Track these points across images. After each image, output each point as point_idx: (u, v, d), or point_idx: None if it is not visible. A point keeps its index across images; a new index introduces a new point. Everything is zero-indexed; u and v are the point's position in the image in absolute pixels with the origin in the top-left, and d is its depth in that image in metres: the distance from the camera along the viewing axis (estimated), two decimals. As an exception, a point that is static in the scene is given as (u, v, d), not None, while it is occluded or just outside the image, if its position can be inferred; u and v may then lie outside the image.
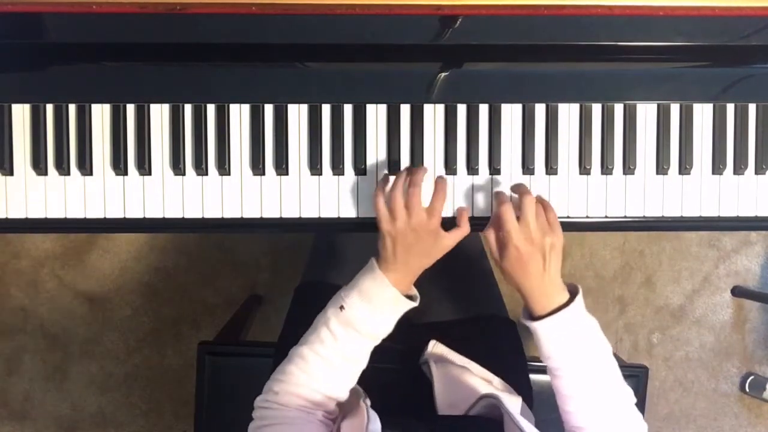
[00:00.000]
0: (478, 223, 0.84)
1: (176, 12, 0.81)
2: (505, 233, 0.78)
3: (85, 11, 0.81)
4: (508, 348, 1.07)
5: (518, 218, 0.78)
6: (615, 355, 1.31)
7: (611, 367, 0.80)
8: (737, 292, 1.85)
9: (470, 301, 1.11)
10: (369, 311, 0.78)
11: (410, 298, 0.82)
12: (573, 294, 0.80)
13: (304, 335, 0.81)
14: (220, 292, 1.82)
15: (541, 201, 0.81)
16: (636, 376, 1.12)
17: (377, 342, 0.81)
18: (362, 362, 0.80)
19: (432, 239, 0.80)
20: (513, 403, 0.86)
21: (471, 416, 0.84)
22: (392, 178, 0.83)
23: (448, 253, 0.82)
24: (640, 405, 1.11)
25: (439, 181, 0.82)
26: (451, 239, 0.81)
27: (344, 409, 0.80)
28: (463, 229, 0.82)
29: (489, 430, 0.79)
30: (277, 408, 0.77)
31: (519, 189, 0.83)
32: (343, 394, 0.80)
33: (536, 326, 0.78)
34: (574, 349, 0.78)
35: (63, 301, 1.82)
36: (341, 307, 0.78)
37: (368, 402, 0.77)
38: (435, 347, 0.95)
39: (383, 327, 0.80)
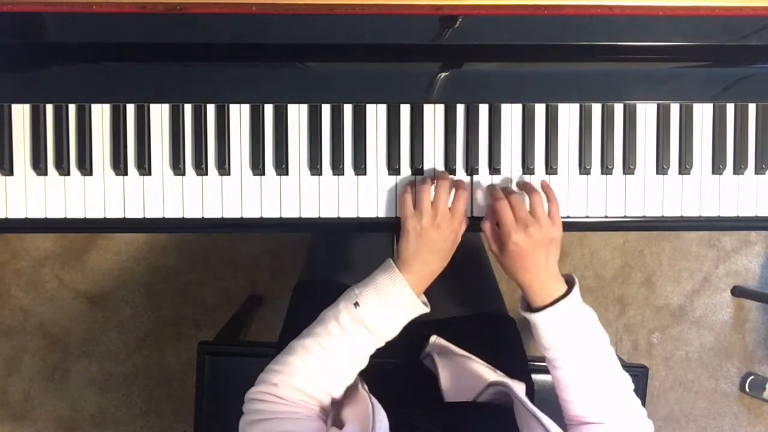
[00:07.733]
0: (478, 223, 0.85)
1: (176, 12, 0.81)
2: (503, 230, 0.79)
3: (85, 11, 0.82)
4: (508, 345, 1.07)
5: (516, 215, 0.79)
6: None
7: (609, 355, 0.80)
8: (737, 292, 1.85)
9: (470, 298, 1.11)
10: (383, 311, 0.77)
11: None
12: (570, 285, 0.80)
13: (306, 329, 0.79)
14: (220, 292, 1.82)
15: (546, 191, 0.82)
16: (636, 376, 1.12)
17: (382, 343, 0.80)
18: (364, 362, 0.80)
19: (453, 238, 0.81)
20: (519, 388, 0.86)
21: (479, 402, 0.84)
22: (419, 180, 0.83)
23: None
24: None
25: (460, 182, 0.84)
26: (459, 236, 0.83)
27: (341, 397, 0.80)
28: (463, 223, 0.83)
29: (498, 417, 0.78)
30: (275, 401, 0.73)
31: (511, 188, 0.83)
32: (340, 392, 0.79)
33: (535, 318, 0.79)
34: (572, 339, 0.79)
35: (63, 301, 1.82)
36: (356, 304, 0.77)
37: (366, 387, 0.77)
38: (436, 341, 0.95)
39: (393, 329, 0.79)
